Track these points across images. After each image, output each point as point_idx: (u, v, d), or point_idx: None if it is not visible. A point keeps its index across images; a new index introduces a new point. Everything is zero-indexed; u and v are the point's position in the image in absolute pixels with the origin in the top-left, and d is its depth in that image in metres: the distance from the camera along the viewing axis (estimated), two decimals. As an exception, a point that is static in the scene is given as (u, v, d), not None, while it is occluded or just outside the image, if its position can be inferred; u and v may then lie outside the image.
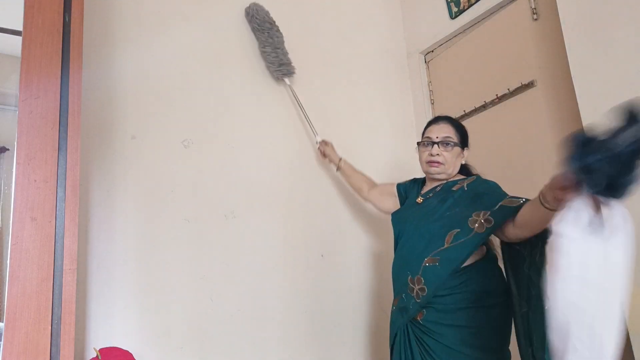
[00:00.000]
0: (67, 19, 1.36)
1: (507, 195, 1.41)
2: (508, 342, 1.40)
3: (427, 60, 2.59)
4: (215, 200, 1.88)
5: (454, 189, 1.50)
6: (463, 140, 1.57)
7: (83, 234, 1.58)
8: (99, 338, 1.55)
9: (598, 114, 1.60)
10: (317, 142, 2.11)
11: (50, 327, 1.19)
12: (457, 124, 1.60)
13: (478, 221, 1.35)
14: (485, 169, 1.98)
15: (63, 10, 1.36)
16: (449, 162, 1.53)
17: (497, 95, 2.12)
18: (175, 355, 1.67)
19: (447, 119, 1.60)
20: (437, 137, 1.54)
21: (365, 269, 2.19)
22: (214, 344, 1.75)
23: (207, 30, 2.04)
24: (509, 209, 1.32)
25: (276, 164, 2.07)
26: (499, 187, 1.47)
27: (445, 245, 1.38)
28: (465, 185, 1.48)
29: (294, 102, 2.17)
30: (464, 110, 2.29)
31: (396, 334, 1.51)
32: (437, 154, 1.52)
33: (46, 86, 1.29)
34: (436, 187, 1.57)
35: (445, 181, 1.56)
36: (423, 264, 1.42)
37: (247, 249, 1.90)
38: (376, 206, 1.88)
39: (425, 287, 1.40)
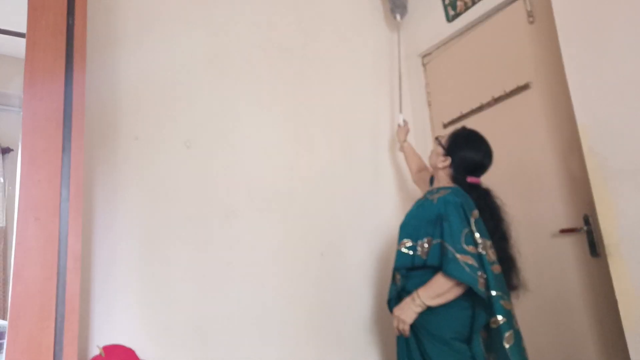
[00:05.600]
0: (70, 21, 1.37)
1: (452, 225, 1.50)
2: (462, 338, 1.51)
3: (424, 63, 2.61)
4: (217, 200, 1.89)
5: (430, 197, 1.65)
6: (449, 146, 1.70)
7: (86, 233, 1.59)
8: (102, 336, 1.55)
9: (593, 114, 1.63)
10: (399, 122, 2.32)
11: (53, 326, 1.19)
12: (456, 132, 1.74)
13: (425, 248, 1.57)
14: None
15: (67, 12, 1.37)
16: (431, 152, 1.80)
17: (493, 97, 2.14)
18: (177, 352, 1.67)
19: (460, 127, 1.77)
20: None
21: (365, 268, 2.20)
22: (215, 342, 1.76)
23: (209, 32, 2.05)
24: (439, 252, 1.51)
25: (277, 164, 2.09)
26: (452, 213, 1.52)
27: (400, 248, 1.65)
28: (436, 198, 1.60)
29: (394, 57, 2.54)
30: (461, 112, 2.31)
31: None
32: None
33: (50, 88, 1.30)
34: (433, 190, 1.71)
35: (438, 187, 1.70)
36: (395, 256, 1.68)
37: (248, 249, 1.91)
38: (421, 190, 2.08)
39: (400, 277, 1.65)
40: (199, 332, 1.74)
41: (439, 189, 1.65)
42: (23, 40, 1.32)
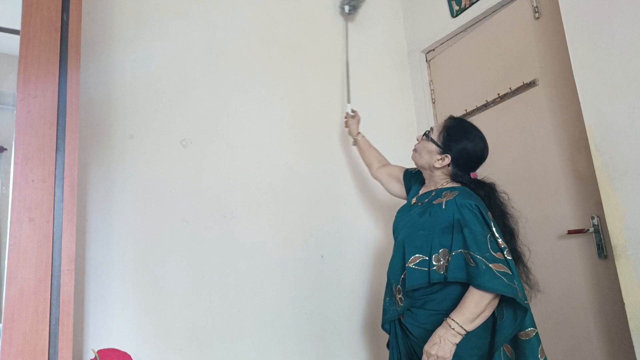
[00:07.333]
0: (65, 18, 1.35)
1: (475, 231, 1.33)
2: (482, 355, 1.35)
3: (428, 59, 2.58)
4: (214, 201, 1.87)
5: (435, 202, 1.46)
6: (445, 142, 1.50)
7: (81, 234, 1.57)
8: (97, 339, 1.54)
9: (600, 113, 1.59)
10: (347, 111, 2.14)
11: (48, 329, 1.18)
12: (448, 125, 1.54)
13: (442, 262, 1.37)
14: (486, 169, 1.95)
15: (61, 9, 1.35)
16: (418, 151, 1.58)
17: (498, 94, 2.11)
18: (174, 356, 1.66)
19: (449, 118, 1.58)
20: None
21: (365, 270, 2.18)
22: (213, 346, 1.74)
23: (206, 29, 2.03)
24: (462, 264, 1.32)
25: (276, 164, 2.06)
26: (470, 218, 1.35)
27: (410, 265, 1.42)
28: (444, 202, 1.42)
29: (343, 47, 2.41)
30: (466, 110, 2.28)
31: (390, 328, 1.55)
32: (417, 141, 1.61)
33: (44, 85, 1.28)
34: (430, 192, 1.55)
35: (437, 189, 1.53)
36: (402, 275, 1.46)
37: (246, 250, 1.89)
38: (384, 186, 1.92)
39: (403, 297, 1.45)
40: (196, 336, 1.72)
41: (441, 191, 1.48)
42: (17, 37, 1.30)
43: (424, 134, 1.58)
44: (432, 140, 1.53)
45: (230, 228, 1.88)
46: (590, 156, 1.62)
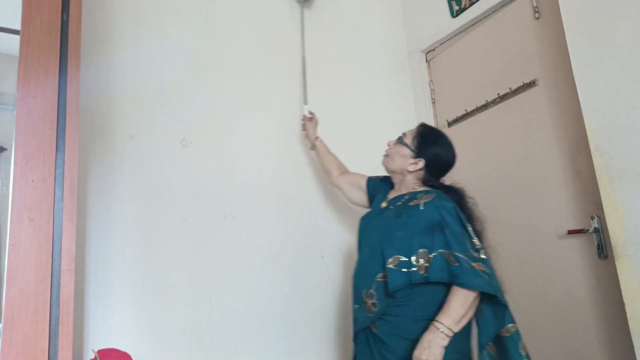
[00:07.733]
0: (65, 18, 1.35)
1: (456, 232, 1.35)
2: (458, 357, 1.34)
3: (428, 59, 2.58)
4: (214, 201, 1.87)
5: (410, 204, 1.47)
6: (419, 147, 1.54)
7: (81, 234, 1.57)
8: (97, 339, 1.54)
9: (600, 113, 1.59)
10: (304, 113, 2.07)
11: (48, 329, 1.18)
12: (422, 131, 1.58)
13: (421, 263, 1.35)
14: (487, 169, 1.97)
15: (61, 9, 1.35)
16: (391, 155, 1.60)
17: (498, 94, 2.11)
18: (174, 356, 1.66)
19: (421, 124, 1.63)
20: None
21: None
22: (213, 345, 1.74)
23: (205, 29, 2.03)
24: (444, 264, 1.32)
25: (276, 164, 2.06)
26: (450, 219, 1.38)
27: (390, 266, 1.39)
28: (422, 203, 1.44)
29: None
30: (466, 110, 2.28)
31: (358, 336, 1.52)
32: (388, 147, 1.63)
33: (44, 85, 1.28)
34: (403, 195, 1.55)
35: (409, 192, 1.54)
36: (376, 279, 1.43)
37: (246, 250, 1.89)
38: (343, 194, 1.91)
39: (376, 302, 1.42)
40: (196, 336, 1.72)
41: (415, 194, 1.50)
42: (17, 37, 1.29)
43: (397, 139, 1.61)
44: (406, 145, 1.56)
45: (230, 228, 1.88)
46: (590, 156, 1.62)
